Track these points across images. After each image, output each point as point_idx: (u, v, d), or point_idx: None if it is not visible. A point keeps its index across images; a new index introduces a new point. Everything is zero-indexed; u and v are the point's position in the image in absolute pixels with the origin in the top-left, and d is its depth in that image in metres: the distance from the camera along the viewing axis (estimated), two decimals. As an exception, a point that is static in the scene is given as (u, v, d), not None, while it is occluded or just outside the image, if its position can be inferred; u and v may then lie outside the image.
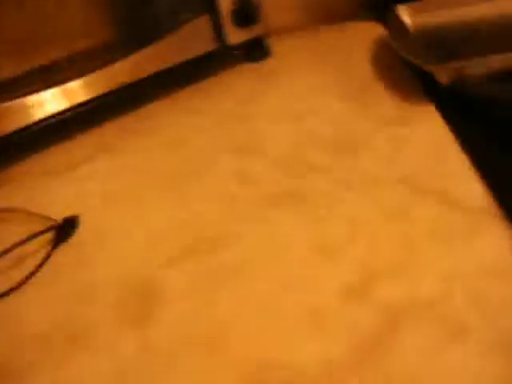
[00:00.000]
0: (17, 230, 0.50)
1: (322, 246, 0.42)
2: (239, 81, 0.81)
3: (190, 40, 0.81)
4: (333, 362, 0.31)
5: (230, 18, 0.82)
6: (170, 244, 0.46)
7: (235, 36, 0.83)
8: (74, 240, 0.50)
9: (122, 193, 0.56)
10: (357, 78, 0.70)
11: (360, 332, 0.33)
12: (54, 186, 0.60)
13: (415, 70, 0.64)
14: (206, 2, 0.80)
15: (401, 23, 0.74)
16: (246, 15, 0.82)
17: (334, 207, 0.46)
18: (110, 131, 0.72)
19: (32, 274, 0.46)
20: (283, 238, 0.43)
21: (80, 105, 0.73)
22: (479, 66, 0.60)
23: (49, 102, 0.70)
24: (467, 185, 0.45)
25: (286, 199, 0.48)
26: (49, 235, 0.50)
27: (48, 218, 0.52)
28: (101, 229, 0.51)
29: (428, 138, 0.54)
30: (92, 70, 0.72)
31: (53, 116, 0.71)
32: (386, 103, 0.61)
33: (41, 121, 0.69)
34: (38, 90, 0.69)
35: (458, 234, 0.40)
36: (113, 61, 0.74)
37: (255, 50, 0.89)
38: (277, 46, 0.90)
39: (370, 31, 0.89)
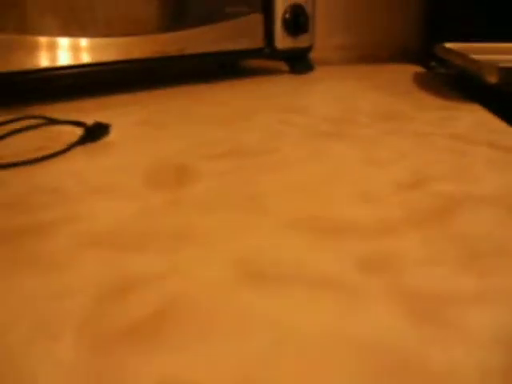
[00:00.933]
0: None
1: (374, 160, 0.39)
2: (280, 82, 0.82)
3: (241, 33, 0.82)
4: (384, 221, 0.27)
5: (282, 23, 0.85)
6: (207, 150, 0.43)
7: (283, 41, 0.85)
8: (104, 142, 0.47)
9: (161, 122, 0.54)
10: (399, 93, 0.70)
11: (414, 207, 0.28)
12: (87, 115, 0.58)
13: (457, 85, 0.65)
14: (264, 2, 0.83)
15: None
16: (297, 24, 0.85)
17: (377, 141, 0.43)
18: (151, 91, 0.72)
19: (58, 153, 0.43)
20: (334, 154, 0.40)
21: (129, 61, 0.73)
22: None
23: (99, 51, 0.70)
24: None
25: (330, 137, 0.46)
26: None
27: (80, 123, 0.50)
28: (134, 137, 0.48)
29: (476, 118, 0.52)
30: (143, 33, 0.73)
31: (102, 64, 0.70)
32: (431, 104, 0.61)
33: (93, 65, 0.69)
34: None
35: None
36: (164, 31, 0.75)
37: (299, 62, 0.91)
38: (319, 69, 0.93)
39: (410, 69, 0.92)
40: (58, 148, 0.45)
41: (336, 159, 0.39)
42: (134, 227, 0.28)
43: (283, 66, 0.91)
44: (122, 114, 0.59)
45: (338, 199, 0.31)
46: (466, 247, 0.25)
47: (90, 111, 0.60)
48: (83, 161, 0.41)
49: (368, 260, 0.24)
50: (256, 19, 0.83)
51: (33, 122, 0.53)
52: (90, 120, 0.53)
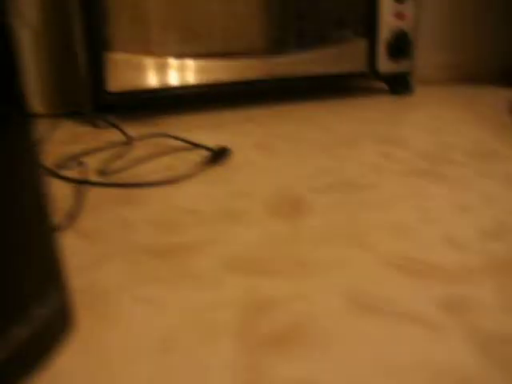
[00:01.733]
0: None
1: (464, 204, 0.44)
2: (379, 105, 0.87)
3: (346, 56, 0.88)
4: (466, 267, 0.32)
5: (385, 48, 0.89)
6: (317, 181, 0.50)
7: (385, 64, 0.90)
8: (227, 165, 0.56)
9: (273, 146, 0.62)
10: (498, 127, 0.73)
11: (495, 256, 0.33)
12: (207, 133, 0.67)
13: None
14: (368, 27, 0.88)
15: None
16: (399, 48, 0.89)
17: (469, 183, 0.48)
18: (261, 111, 0.81)
19: (189, 175, 0.52)
20: (428, 195, 0.46)
21: (244, 83, 0.82)
22: None
23: (216, 72, 0.79)
24: None
25: (426, 176, 0.51)
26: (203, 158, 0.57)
27: (207, 148, 0.59)
28: (252, 162, 0.56)
29: None
30: (254, 57, 0.82)
31: (221, 84, 0.80)
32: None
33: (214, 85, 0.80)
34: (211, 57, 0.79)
35: None
36: (274, 54, 0.83)
37: (399, 84, 0.95)
38: (418, 90, 0.96)
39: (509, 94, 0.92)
40: (183, 168, 0.54)
41: (429, 200, 0.45)
42: (262, 253, 0.36)
43: (383, 84, 0.96)
44: (237, 133, 0.67)
45: (428, 242, 0.37)
46: (536, 300, 0.30)
47: (208, 128, 0.70)
48: (210, 183, 0.50)
49: (449, 302, 0.30)
50: (360, 43, 0.89)
51: (161, 140, 0.63)
52: (209, 137, 0.62)
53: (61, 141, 0.65)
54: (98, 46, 0.71)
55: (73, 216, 0.42)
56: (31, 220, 0.24)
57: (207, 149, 0.59)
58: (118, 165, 0.55)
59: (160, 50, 0.77)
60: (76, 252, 0.36)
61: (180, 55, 0.78)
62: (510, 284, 0.32)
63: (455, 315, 0.28)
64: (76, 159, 0.57)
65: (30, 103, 0.81)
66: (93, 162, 0.56)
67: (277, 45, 0.84)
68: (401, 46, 0.89)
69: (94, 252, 0.36)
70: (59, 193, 0.48)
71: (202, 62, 0.78)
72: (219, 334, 0.27)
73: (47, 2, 0.79)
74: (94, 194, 0.47)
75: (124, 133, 0.67)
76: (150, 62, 0.76)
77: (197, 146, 0.61)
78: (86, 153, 0.59)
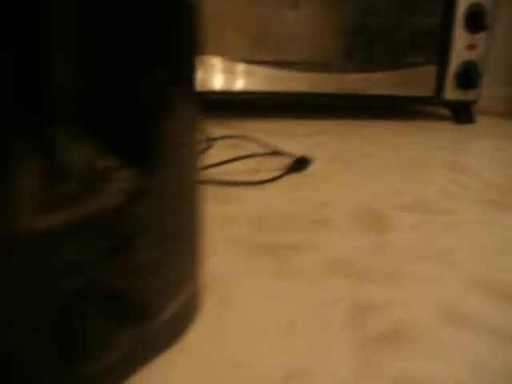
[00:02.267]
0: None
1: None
2: (444, 132, 0.89)
3: (415, 80, 0.91)
4: None
5: (454, 76, 0.92)
6: (394, 199, 0.53)
7: (452, 92, 0.93)
8: (306, 173, 0.60)
9: (347, 160, 0.65)
10: None
11: None
12: (282, 141, 0.71)
13: None
14: (440, 55, 0.91)
15: None
16: (468, 78, 0.92)
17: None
18: (331, 124, 0.85)
19: (274, 179, 0.56)
20: (500, 224, 0.49)
21: (315, 95, 0.86)
22: None
23: (290, 82, 0.83)
24: None
25: (498, 205, 0.54)
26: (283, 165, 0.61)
27: (289, 154, 0.63)
28: (330, 173, 0.60)
29: None
30: (326, 71, 0.86)
31: (293, 94, 0.84)
32: None
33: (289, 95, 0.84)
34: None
35: None
36: (346, 71, 0.87)
37: (463, 113, 0.97)
38: (481, 120, 0.99)
39: None
40: (268, 172, 0.58)
41: (502, 229, 0.48)
42: (357, 260, 0.39)
43: (447, 111, 0.99)
44: (311, 144, 0.71)
45: (506, 267, 0.40)
46: None
47: (282, 136, 0.74)
48: (293, 189, 0.54)
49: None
50: (430, 70, 0.91)
51: (238, 142, 0.67)
52: (284, 145, 0.66)
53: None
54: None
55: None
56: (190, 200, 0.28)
57: (289, 156, 0.63)
58: (202, 162, 0.59)
59: (232, 54, 0.81)
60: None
61: (252, 61, 0.82)
62: None
63: (544, 338, 0.31)
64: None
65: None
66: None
67: (349, 62, 0.88)
68: (470, 76, 0.91)
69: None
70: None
71: (275, 71, 0.82)
72: (334, 326, 0.31)
73: None
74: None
75: (204, 131, 0.71)
76: (224, 65, 0.80)
77: (278, 153, 0.65)
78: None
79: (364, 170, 0.62)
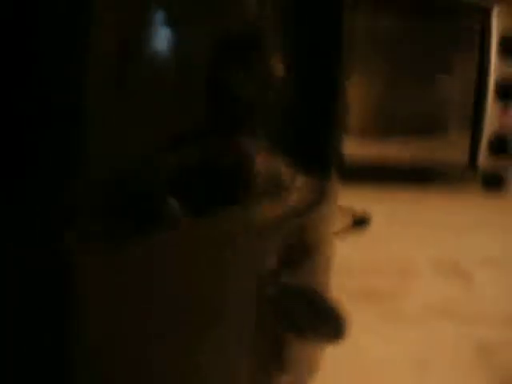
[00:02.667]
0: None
1: None
2: (475, 200, 0.88)
3: (447, 147, 0.91)
4: None
5: (488, 144, 0.92)
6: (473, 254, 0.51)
7: (485, 160, 0.93)
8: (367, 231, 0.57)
9: (401, 220, 0.63)
10: None
11: None
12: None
13: None
14: (474, 121, 0.91)
15: None
16: (501, 147, 0.92)
17: None
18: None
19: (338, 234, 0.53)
20: None
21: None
22: None
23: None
24: None
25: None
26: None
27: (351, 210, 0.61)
28: (387, 233, 0.57)
29: None
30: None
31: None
32: None
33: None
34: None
35: None
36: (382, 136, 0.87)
37: (495, 180, 0.97)
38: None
39: None
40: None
41: None
42: (450, 307, 0.37)
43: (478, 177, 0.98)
44: (368, 201, 0.69)
45: None
46: None
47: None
48: (361, 243, 0.52)
49: None
50: (464, 136, 0.92)
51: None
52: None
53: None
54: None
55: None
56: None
57: (352, 213, 0.60)
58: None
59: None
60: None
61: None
62: None
63: None
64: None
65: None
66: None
67: (384, 128, 0.88)
68: (504, 145, 0.92)
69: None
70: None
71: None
72: (461, 364, 0.28)
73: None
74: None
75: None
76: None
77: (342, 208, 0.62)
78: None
79: (420, 233, 0.61)
